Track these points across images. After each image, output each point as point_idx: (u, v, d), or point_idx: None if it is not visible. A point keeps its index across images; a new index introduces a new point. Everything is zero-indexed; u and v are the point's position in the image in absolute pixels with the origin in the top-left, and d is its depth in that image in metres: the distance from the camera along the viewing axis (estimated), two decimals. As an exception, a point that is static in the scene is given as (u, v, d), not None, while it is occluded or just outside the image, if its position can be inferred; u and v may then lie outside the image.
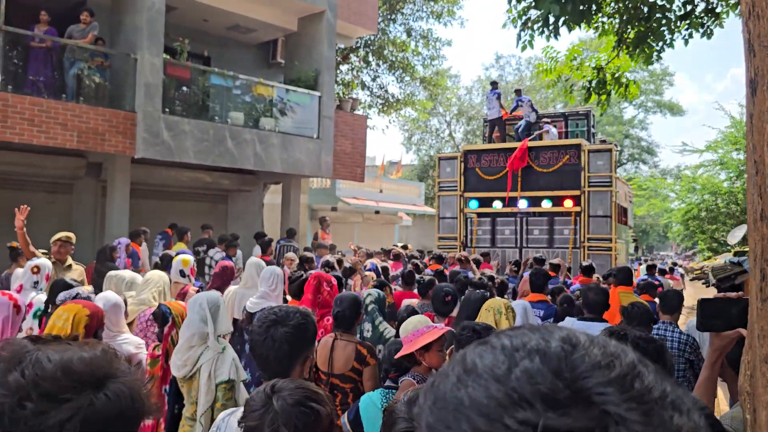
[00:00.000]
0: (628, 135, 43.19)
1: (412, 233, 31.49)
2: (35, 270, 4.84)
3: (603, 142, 14.91)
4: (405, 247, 13.67)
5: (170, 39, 11.17)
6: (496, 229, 13.92)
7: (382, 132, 44.10)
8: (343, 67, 20.23)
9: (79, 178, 11.95)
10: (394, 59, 20.66)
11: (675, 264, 21.12)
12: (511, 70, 39.87)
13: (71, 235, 6.76)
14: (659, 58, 8.53)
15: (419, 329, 3.21)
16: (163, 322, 3.99)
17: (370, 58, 20.62)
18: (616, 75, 9.04)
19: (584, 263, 9.58)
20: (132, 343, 3.94)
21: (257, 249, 10.76)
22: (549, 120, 15.14)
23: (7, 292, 3.76)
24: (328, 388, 3.76)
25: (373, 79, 21.54)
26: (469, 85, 42.34)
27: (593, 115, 15.17)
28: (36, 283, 4.78)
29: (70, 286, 4.08)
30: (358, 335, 4.38)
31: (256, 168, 12.30)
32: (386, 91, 21.75)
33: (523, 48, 8.44)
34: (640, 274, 14.80)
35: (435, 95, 23.42)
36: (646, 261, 23.41)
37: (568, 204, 13.08)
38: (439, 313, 4.94)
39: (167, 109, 10.98)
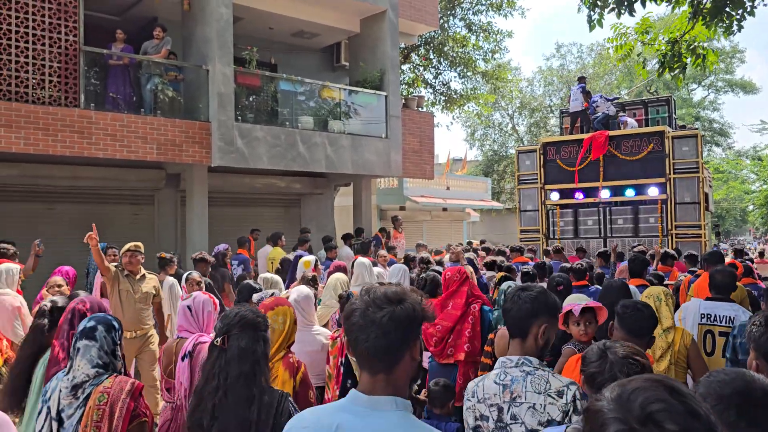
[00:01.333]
0: (699, 117, 41.54)
1: (480, 229, 31.22)
2: None
3: (682, 127, 14.51)
4: (470, 244, 13.69)
5: (238, 49, 11.39)
6: (579, 220, 13.89)
7: (447, 128, 44.11)
8: (405, 66, 20.21)
9: (159, 189, 12.33)
10: (455, 55, 20.50)
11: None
12: (573, 59, 39.01)
13: (139, 244, 6.80)
14: (740, 27, 8.06)
15: (567, 305, 3.78)
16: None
17: (431, 56, 20.53)
18: (692, 46, 8.62)
19: (662, 251, 9.25)
20: (323, 335, 4.60)
21: (347, 250, 10.87)
22: (627, 110, 15.05)
23: (207, 293, 4.24)
24: None
25: (435, 77, 21.44)
26: (530, 76, 41.62)
27: (674, 101, 14.87)
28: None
29: (254, 290, 4.92)
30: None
31: (328, 170, 12.41)
32: (449, 87, 21.61)
33: (592, 27, 8.20)
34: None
35: (497, 88, 23.11)
36: (732, 246, 22.42)
37: (653, 192, 12.97)
38: None
39: (240, 117, 11.20)
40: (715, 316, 4.61)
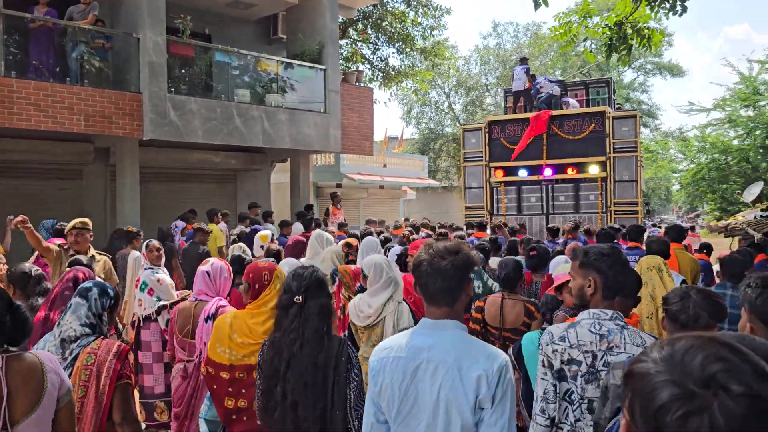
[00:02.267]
0: (629, 99, 42.79)
1: (416, 206, 31.36)
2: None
3: (619, 108, 15.01)
4: (407, 220, 13.77)
5: (170, 18, 10.92)
6: (522, 197, 14.23)
7: (385, 105, 44.09)
8: (342, 41, 19.91)
9: (87, 164, 11.79)
10: (393, 31, 20.33)
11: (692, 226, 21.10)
12: (509, 38, 39.38)
13: (86, 221, 6.06)
14: (684, 8, 8.18)
15: (558, 275, 4.18)
16: (333, 283, 5.08)
17: (370, 31, 20.31)
18: (637, 27, 8.73)
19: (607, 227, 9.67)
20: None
21: (299, 226, 10.77)
22: (569, 91, 15.51)
23: (222, 259, 4.53)
24: (501, 341, 4.35)
25: (373, 53, 21.24)
26: (466, 55, 41.84)
27: (614, 83, 15.38)
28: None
29: (245, 261, 5.21)
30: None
31: (266, 145, 12.12)
32: (387, 63, 21.46)
33: (538, 6, 8.22)
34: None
35: (436, 65, 23.11)
36: (662, 222, 23.31)
37: (594, 170, 13.38)
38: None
39: (173, 89, 10.79)
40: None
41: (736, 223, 12.32)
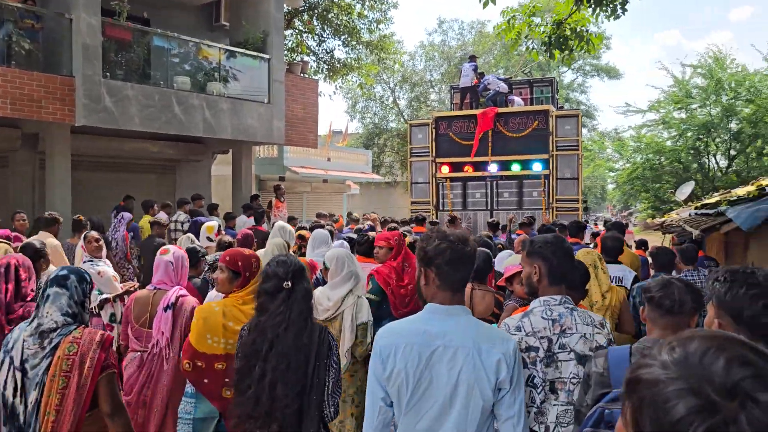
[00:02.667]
0: (569, 99, 43.69)
1: (359, 201, 31.22)
2: None
3: (561, 108, 15.25)
4: (350, 215, 13.69)
5: (106, 0, 10.42)
6: (468, 193, 14.29)
7: (330, 98, 43.69)
8: (287, 32, 19.52)
9: (14, 150, 11.15)
10: (339, 23, 20.06)
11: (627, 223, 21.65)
12: (454, 35, 39.55)
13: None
14: (624, 11, 8.33)
15: (508, 267, 4.29)
16: None
17: (315, 22, 19.98)
18: (577, 30, 8.84)
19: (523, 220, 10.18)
20: None
21: (243, 218, 10.57)
22: (514, 89, 15.69)
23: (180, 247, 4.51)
24: None
25: (319, 44, 20.91)
26: (412, 51, 41.85)
27: (557, 82, 15.63)
28: None
29: (200, 253, 5.07)
30: None
31: (206, 135, 11.72)
32: (332, 56, 21.17)
33: (485, 4, 8.19)
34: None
35: (381, 59, 22.95)
36: (597, 220, 23.84)
37: (537, 167, 13.52)
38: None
39: (108, 74, 10.29)
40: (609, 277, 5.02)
41: (671, 221, 12.67)
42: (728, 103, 20.86)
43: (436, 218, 13.20)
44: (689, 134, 21.40)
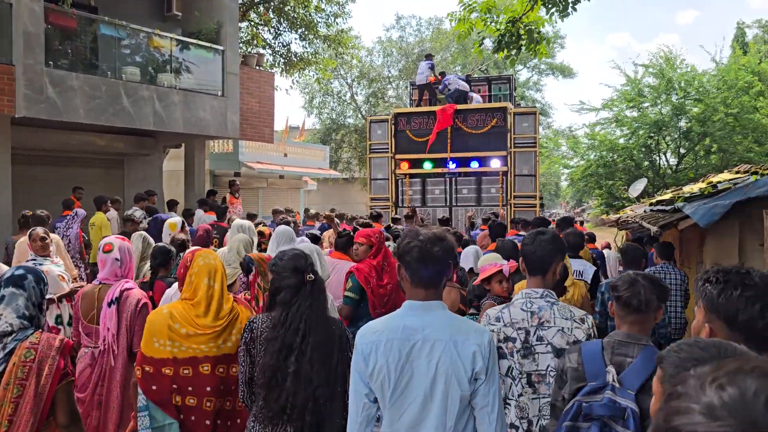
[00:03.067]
0: (524, 97, 44.11)
1: (316, 197, 30.90)
2: None
3: (518, 105, 15.35)
4: (307, 212, 13.53)
5: (50, -15, 9.93)
6: (427, 189, 14.38)
7: (286, 92, 42.95)
8: (243, 24, 19.08)
9: (-52, 143, 10.54)
10: (296, 16, 19.69)
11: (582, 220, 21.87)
12: (412, 31, 39.46)
13: None
14: (575, 9, 8.43)
15: (484, 266, 4.26)
16: (248, 272, 4.77)
17: (271, 15, 19.58)
18: (529, 29, 8.84)
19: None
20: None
21: (200, 213, 10.35)
22: (473, 87, 15.69)
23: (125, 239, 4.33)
24: None
25: (275, 37, 20.51)
26: (370, 46, 41.59)
27: (515, 80, 15.83)
28: None
29: (170, 252, 5.05)
30: None
31: (156, 128, 11.30)
32: (289, 49, 20.78)
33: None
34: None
35: (339, 54, 22.67)
36: (552, 216, 24.02)
37: (495, 164, 13.62)
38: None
39: (51, 63, 9.81)
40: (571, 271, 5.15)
41: (627, 217, 12.79)
42: (678, 102, 21.25)
43: (396, 214, 13.14)
44: (641, 132, 21.71)
